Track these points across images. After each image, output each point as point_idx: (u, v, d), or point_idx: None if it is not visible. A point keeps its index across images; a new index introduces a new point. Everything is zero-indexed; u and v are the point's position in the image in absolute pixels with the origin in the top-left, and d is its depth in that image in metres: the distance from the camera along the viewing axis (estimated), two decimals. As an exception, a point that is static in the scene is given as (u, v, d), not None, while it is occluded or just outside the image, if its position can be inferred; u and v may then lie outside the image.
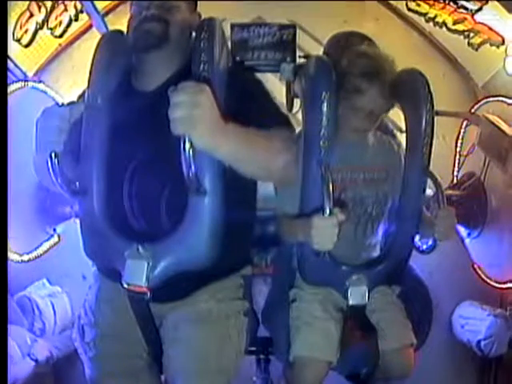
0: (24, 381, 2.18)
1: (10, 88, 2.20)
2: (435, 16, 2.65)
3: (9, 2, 2.18)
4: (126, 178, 1.33)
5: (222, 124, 1.07)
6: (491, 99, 2.46)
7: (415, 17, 2.71)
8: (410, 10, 2.70)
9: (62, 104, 1.24)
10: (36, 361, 2.30)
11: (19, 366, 2.20)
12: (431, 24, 2.68)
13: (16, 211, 1.83)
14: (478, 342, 2.47)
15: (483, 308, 2.54)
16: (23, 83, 2.28)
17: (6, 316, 1.71)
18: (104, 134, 1.31)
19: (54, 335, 2.45)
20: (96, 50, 1.36)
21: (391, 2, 2.71)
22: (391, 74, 1.52)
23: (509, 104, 2.34)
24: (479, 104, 2.50)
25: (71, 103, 1.26)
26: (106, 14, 2.30)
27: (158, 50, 1.34)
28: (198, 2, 1.47)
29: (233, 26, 2.64)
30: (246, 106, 1.21)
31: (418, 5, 2.67)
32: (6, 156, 1.46)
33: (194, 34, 1.31)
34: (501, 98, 2.39)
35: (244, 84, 1.32)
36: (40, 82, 2.42)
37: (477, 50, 2.58)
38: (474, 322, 2.55)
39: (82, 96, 1.40)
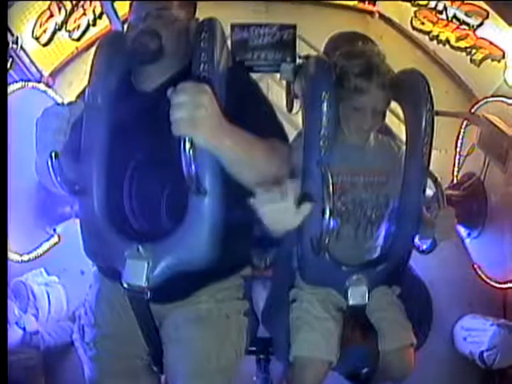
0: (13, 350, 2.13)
1: (10, 88, 2.20)
2: (439, 34, 2.66)
3: (9, 2, 2.18)
4: (125, 178, 1.33)
5: (224, 124, 1.06)
6: (491, 99, 2.46)
7: (419, 35, 2.72)
8: (414, 28, 2.71)
9: (62, 104, 1.24)
10: (24, 329, 2.28)
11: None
12: (435, 42, 2.68)
13: (16, 211, 1.83)
14: (481, 353, 2.41)
15: (486, 318, 2.50)
16: (23, 83, 2.27)
17: (6, 315, 1.71)
18: (104, 134, 1.31)
19: (48, 324, 2.43)
20: (97, 50, 1.36)
21: (395, 20, 2.72)
22: (385, 67, 1.52)
23: (509, 104, 2.34)
24: (479, 104, 2.50)
25: (71, 103, 1.26)
26: (126, 20, 2.30)
27: (153, 63, 1.34)
28: (199, 3, 1.47)
29: (233, 26, 2.64)
30: (244, 109, 1.21)
31: (423, 23, 2.68)
32: (6, 156, 1.46)
33: (193, 36, 1.30)
34: (501, 98, 2.40)
35: (243, 86, 1.32)
36: (40, 82, 2.42)
37: (479, 65, 2.59)
38: (476, 333, 2.49)
39: (81, 96, 1.40)
